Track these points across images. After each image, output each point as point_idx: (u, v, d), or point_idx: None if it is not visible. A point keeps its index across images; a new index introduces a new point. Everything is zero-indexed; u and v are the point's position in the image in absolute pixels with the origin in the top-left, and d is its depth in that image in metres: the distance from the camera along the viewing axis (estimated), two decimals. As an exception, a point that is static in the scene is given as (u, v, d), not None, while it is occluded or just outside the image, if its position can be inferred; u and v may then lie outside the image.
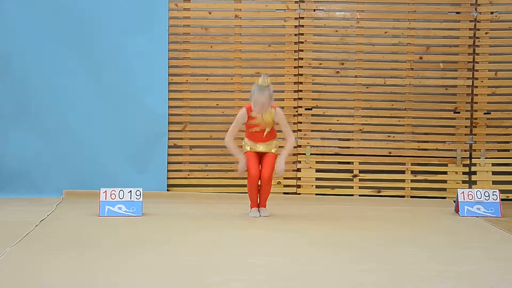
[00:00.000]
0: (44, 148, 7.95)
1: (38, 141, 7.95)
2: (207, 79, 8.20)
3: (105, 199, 6.85)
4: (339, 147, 8.23)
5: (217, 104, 8.20)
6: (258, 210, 6.88)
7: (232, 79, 8.20)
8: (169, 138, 8.13)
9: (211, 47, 8.18)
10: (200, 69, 8.19)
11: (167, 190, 8.09)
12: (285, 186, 8.20)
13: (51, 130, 7.96)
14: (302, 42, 8.17)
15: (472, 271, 4.85)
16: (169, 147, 8.14)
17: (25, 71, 7.93)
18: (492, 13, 8.13)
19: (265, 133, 6.76)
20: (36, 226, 6.13)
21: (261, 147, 6.79)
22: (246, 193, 7.73)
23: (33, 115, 7.96)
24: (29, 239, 5.63)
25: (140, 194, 6.89)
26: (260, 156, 6.82)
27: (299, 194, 8.19)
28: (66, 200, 7.67)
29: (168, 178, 8.12)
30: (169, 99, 8.10)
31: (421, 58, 8.19)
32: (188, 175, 8.20)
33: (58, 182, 7.89)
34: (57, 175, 7.93)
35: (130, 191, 6.90)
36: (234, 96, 8.16)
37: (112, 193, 6.88)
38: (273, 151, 6.80)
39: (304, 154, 8.20)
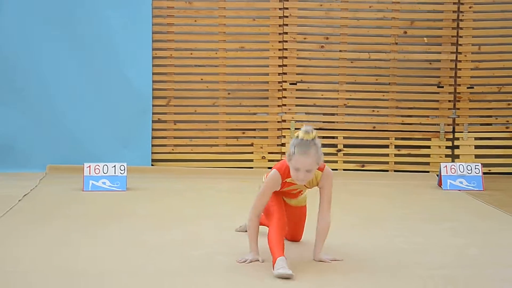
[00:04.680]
0: (28, 123, 7.89)
1: (21, 116, 7.89)
2: (191, 54, 8.16)
3: (89, 174, 6.84)
4: (323, 121, 8.24)
5: (202, 79, 8.17)
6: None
7: (216, 53, 8.16)
8: (153, 113, 8.10)
9: (195, 21, 8.13)
10: (184, 43, 8.15)
11: (152, 165, 8.07)
12: (269, 160, 8.21)
13: (34, 105, 7.90)
14: (286, 17, 8.14)
15: (455, 243, 4.90)
16: (153, 122, 8.10)
17: (8, 47, 7.84)
18: (476, -13, 8.13)
19: (302, 194, 4.77)
20: (19, 200, 6.12)
21: (292, 202, 4.77)
22: (232, 167, 7.73)
23: (16, 91, 7.88)
24: (12, 213, 5.62)
25: (124, 169, 6.88)
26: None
27: (284, 168, 8.18)
28: (50, 175, 7.64)
29: (152, 153, 8.09)
30: (153, 73, 8.05)
31: (405, 32, 8.18)
32: (173, 150, 8.19)
33: (41, 157, 7.85)
34: (41, 150, 7.88)
35: (114, 166, 6.89)
36: (218, 70, 8.13)
37: (96, 168, 6.87)
38: (304, 204, 4.87)
39: (289, 128, 8.21)
